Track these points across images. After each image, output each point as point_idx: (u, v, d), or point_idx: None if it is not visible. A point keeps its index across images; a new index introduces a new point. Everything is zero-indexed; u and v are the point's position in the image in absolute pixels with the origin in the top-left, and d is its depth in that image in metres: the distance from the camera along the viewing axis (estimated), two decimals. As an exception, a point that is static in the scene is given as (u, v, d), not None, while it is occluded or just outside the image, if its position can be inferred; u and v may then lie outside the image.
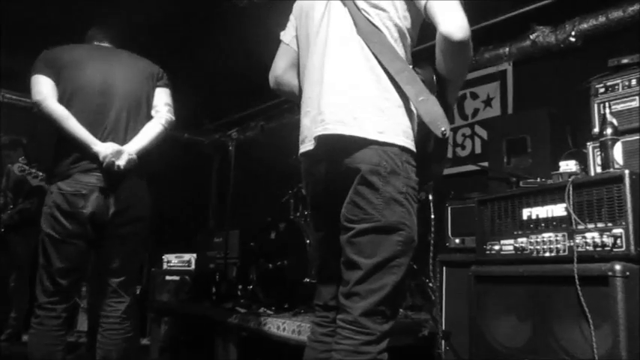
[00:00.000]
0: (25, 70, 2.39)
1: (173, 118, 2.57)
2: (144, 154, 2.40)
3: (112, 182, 2.30)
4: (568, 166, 2.44)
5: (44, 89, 2.30)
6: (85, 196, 2.25)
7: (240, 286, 4.47)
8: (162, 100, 2.56)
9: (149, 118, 2.51)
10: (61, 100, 2.32)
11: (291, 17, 1.90)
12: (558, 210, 2.23)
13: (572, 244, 2.12)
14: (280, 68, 1.90)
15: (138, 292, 5.07)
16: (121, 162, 2.28)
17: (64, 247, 2.27)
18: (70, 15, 4.18)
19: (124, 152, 2.30)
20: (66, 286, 2.30)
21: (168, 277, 5.10)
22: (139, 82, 2.50)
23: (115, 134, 2.36)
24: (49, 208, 2.28)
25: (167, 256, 5.37)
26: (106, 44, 2.58)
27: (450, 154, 4.32)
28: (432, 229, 2.71)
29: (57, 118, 2.26)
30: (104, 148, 2.27)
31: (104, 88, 2.39)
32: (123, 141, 2.37)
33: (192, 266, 5.13)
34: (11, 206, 4.85)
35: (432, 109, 1.49)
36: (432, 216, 2.84)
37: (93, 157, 2.26)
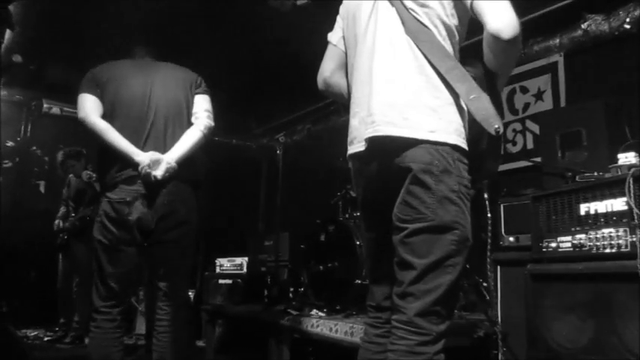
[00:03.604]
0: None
1: (212, 123, 2.62)
2: (184, 161, 2.46)
3: (154, 189, 2.37)
4: (627, 158, 2.36)
5: (86, 106, 2.42)
6: (130, 204, 2.33)
7: (291, 289, 4.51)
8: (201, 107, 2.61)
9: (189, 124, 2.57)
10: (105, 113, 2.43)
11: (338, 18, 1.90)
12: (618, 204, 2.15)
13: (634, 239, 2.04)
14: (329, 70, 1.90)
15: (192, 295, 5.21)
16: (158, 172, 2.34)
17: (114, 254, 2.36)
18: (126, 32, 4.36)
19: (162, 161, 2.36)
20: (118, 290, 2.38)
21: (221, 281, 5.20)
22: (178, 90, 2.57)
23: (156, 142, 2.43)
24: (100, 217, 2.39)
25: (219, 260, 5.47)
26: (147, 59, 2.68)
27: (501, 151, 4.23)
28: (489, 227, 2.65)
29: (99, 131, 2.38)
30: (144, 158, 2.34)
31: (144, 98, 2.47)
32: (164, 148, 2.44)
33: (244, 269, 5.21)
34: (73, 214, 5.06)
35: (484, 107, 1.47)
36: (489, 215, 2.78)
37: (135, 166, 2.34)
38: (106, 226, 2.35)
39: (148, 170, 2.32)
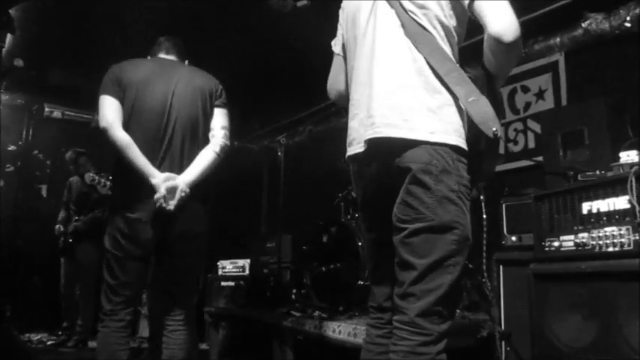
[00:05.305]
0: (81, 87, 2.49)
1: (228, 143, 2.59)
2: (198, 182, 2.44)
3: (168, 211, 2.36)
4: (629, 156, 2.35)
5: (110, 115, 2.35)
6: (145, 223, 2.34)
7: (294, 290, 4.50)
8: (219, 123, 2.59)
9: (206, 141, 2.54)
10: (123, 119, 2.38)
11: (339, 26, 1.91)
12: (621, 202, 2.14)
13: (637, 237, 2.03)
14: (343, 82, 1.90)
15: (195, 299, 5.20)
16: (172, 205, 2.31)
17: (126, 264, 2.37)
18: (128, 34, 4.36)
19: (176, 189, 2.33)
20: (128, 296, 2.39)
21: (223, 283, 5.19)
22: (197, 103, 2.52)
23: (171, 160, 2.41)
24: (113, 231, 2.38)
25: (222, 262, 5.47)
26: (171, 57, 2.64)
27: (502, 151, 4.21)
28: (485, 229, 2.66)
29: (120, 146, 2.32)
30: (159, 182, 2.30)
31: (164, 110, 2.43)
32: (179, 166, 2.41)
33: (247, 272, 5.21)
34: (76, 217, 5.04)
35: (482, 110, 1.47)
36: (484, 216, 2.78)
37: (151, 187, 2.31)
38: (119, 242, 2.35)
39: (164, 205, 2.30)
